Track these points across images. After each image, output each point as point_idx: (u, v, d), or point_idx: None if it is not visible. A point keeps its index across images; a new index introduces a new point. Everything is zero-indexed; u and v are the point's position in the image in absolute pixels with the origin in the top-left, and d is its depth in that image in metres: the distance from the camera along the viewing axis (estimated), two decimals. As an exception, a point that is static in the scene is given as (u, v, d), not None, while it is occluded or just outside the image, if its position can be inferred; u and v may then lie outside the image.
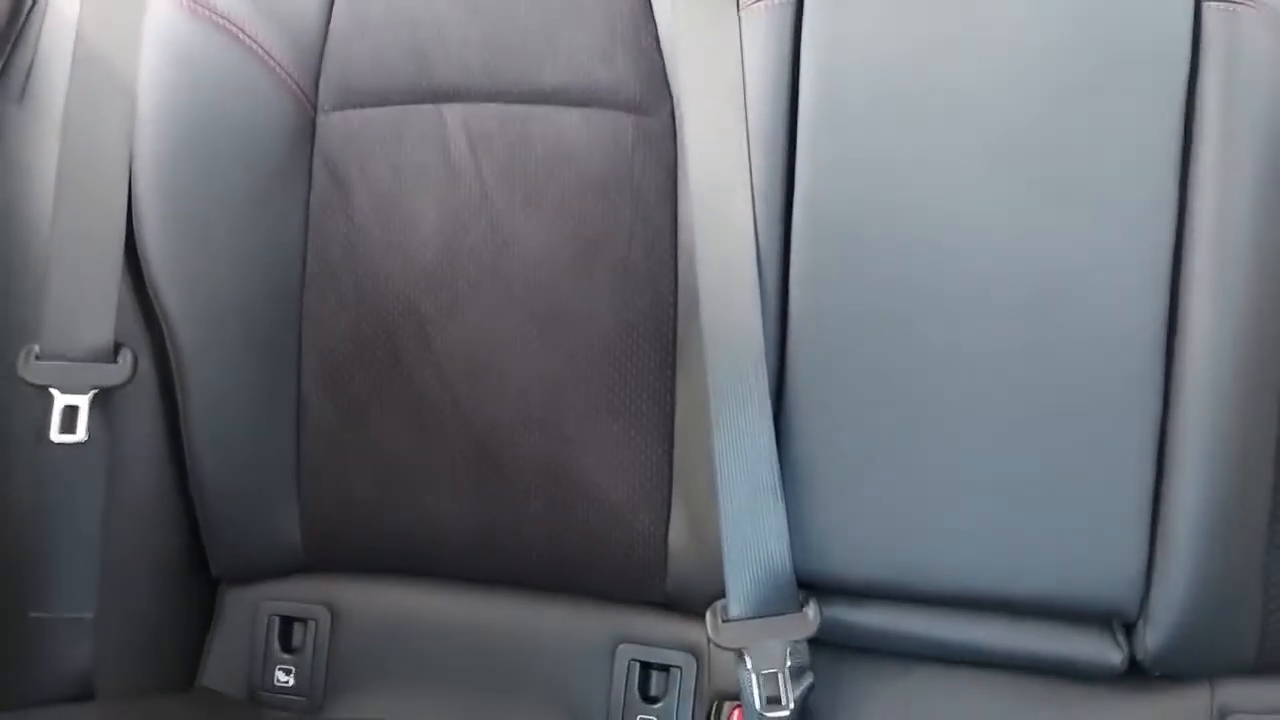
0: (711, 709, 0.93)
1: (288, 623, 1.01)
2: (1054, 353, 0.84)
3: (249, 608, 1.02)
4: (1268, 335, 0.82)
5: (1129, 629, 0.87)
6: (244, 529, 0.99)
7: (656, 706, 0.95)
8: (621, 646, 0.96)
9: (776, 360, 0.88)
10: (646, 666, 0.96)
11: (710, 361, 0.87)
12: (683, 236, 0.91)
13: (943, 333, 0.86)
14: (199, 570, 1.01)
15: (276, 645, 1.00)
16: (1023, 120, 0.84)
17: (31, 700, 0.91)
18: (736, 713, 0.91)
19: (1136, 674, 0.87)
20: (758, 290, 0.86)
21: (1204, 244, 0.82)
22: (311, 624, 1.00)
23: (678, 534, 0.93)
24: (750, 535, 0.87)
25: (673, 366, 0.92)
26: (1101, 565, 0.85)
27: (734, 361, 0.87)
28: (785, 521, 0.87)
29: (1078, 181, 0.83)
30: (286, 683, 0.99)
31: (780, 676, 0.86)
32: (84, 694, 0.93)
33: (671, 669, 0.95)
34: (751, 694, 0.87)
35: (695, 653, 0.95)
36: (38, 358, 0.88)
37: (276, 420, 0.97)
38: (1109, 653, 0.87)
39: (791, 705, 0.86)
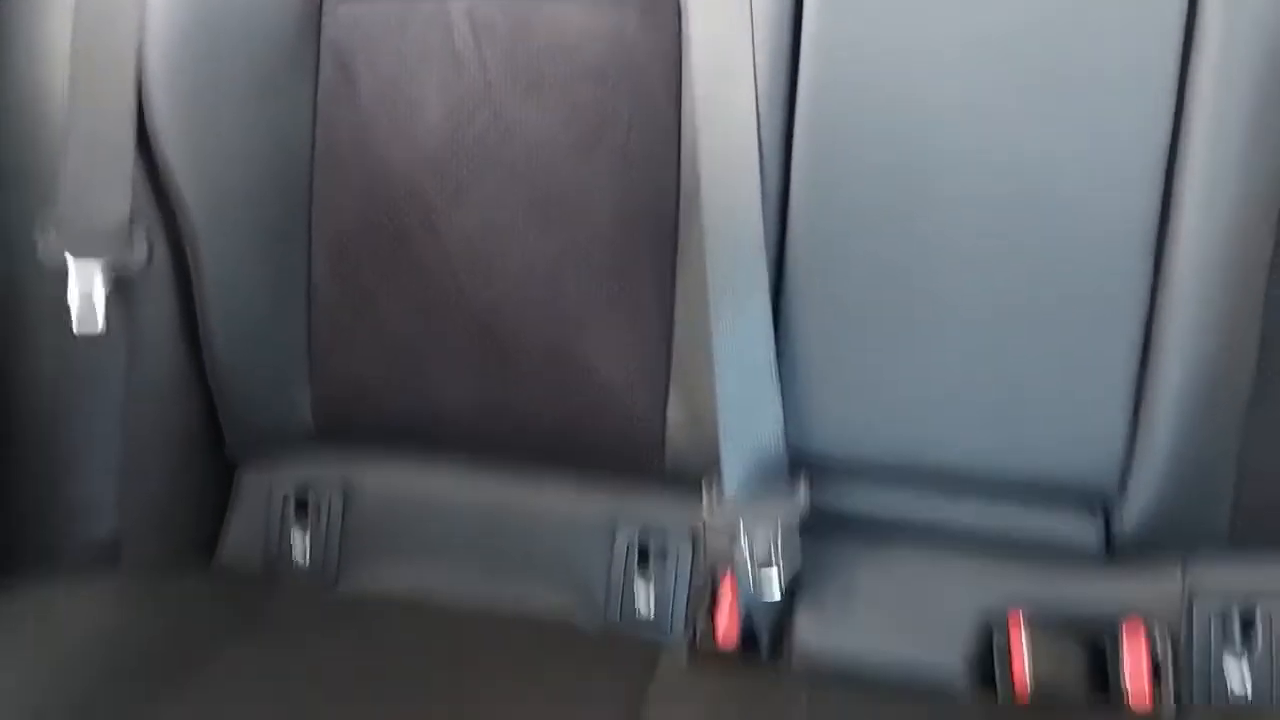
0: (707, 582, 0.97)
1: (302, 500, 1.05)
2: (1047, 242, 0.86)
3: (264, 485, 1.06)
4: (1255, 230, 0.83)
5: (1107, 511, 0.91)
6: (258, 410, 1.02)
7: (654, 580, 0.99)
8: (621, 524, 1.00)
9: (776, 248, 0.90)
10: (645, 540, 1.00)
11: (710, 249, 0.89)
12: (685, 125, 0.92)
13: (940, 222, 0.87)
14: (215, 449, 1.05)
15: (292, 521, 1.05)
16: (1027, 13, 0.84)
17: (61, 568, 0.97)
18: (730, 586, 0.95)
19: (1112, 554, 0.91)
20: (759, 179, 0.88)
21: (1199, 141, 0.83)
22: (324, 500, 1.04)
23: (675, 414, 0.96)
24: (745, 418, 0.90)
25: (673, 254, 0.94)
26: (1085, 447, 0.88)
27: (734, 249, 0.89)
28: (780, 405, 0.90)
29: (1078, 75, 0.84)
30: (301, 556, 1.04)
31: (772, 553, 0.90)
32: (110, 562, 0.99)
33: (669, 546, 1.00)
34: (744, 570, 0.91)
35: (692, 529, 0.99)
36: (54, 239, 0.91)
37: (287, 304, 1.00)
38: (1087, 533, 0.91)
39: (782, 579, 0.90)
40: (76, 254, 0.91)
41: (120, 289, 0.94)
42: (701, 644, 0.94)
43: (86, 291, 0.91)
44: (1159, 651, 0.88)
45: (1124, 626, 0.89)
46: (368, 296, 0.99)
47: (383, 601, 1.01)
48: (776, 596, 0.90)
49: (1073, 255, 0.86)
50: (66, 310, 0.91)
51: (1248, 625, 0.90)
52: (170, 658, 0.89)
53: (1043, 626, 0.90)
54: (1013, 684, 0.88)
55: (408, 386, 1.00)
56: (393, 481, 1.05)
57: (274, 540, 1.05)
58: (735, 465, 0.91)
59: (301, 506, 1.05)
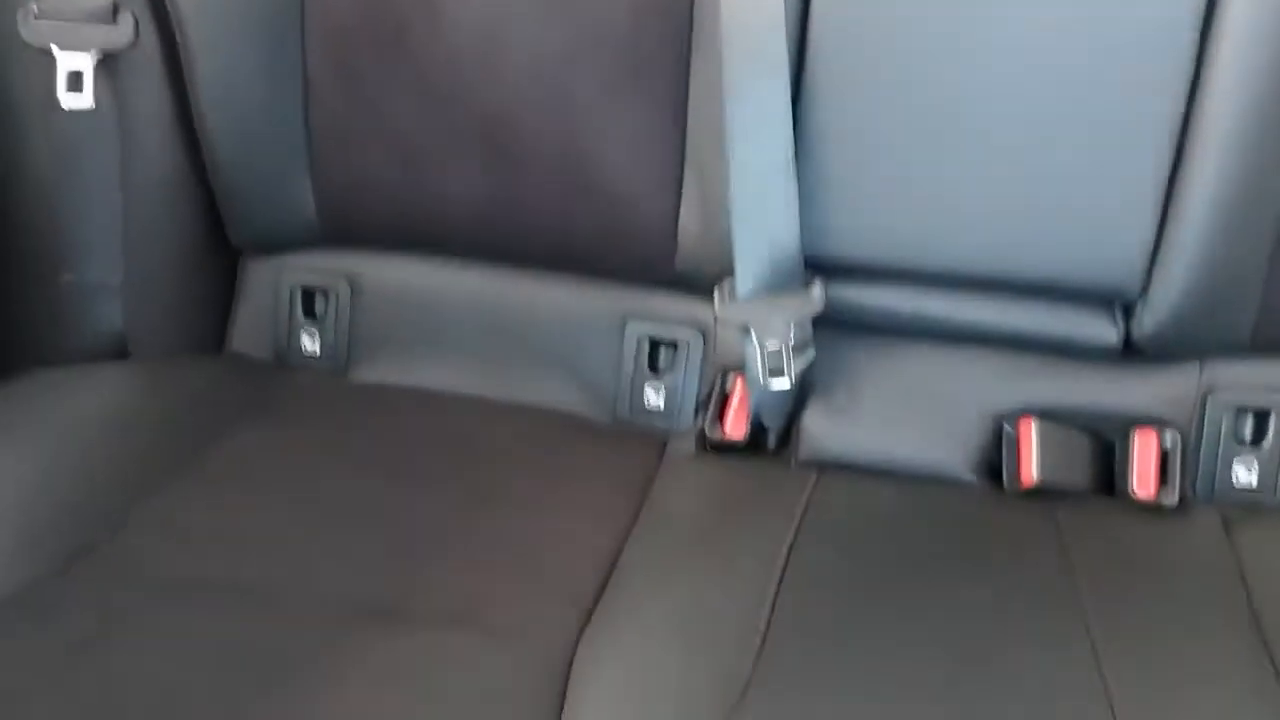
0: (716, 379, 0.97)
1: (309, 293, 1.04)
2: (1084, 34, 0.82)
3: (271, 278, 1.05)
4: None
5: (1128, 310, 0.89)
6: (259, 201, 1.00)
7: (664, 378, 0.99)
8: (631, 323, 1.00)
9: (796, 45, 0.86)
10: (655, 342, 1.00)
11: (727, 42, 0.84)
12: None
13: (969, 20, 0.83)
14: (219, 240, 1.03)
15: (300, 313, 1.04)
16: None
17: (71, 360, 0.97)
18: (740, 383, 0.96)
19: (1131, 353, 0.90)
20: None
21: None
22: (332, 294, 1.03)
23: (688, 214, 0.94)
24: (760, 214, 0.88)
25: (687, 47, 0.89)
26: (1109, 246, 0.86)
27: (753, 44, 0.84)
28: (796, 201, 0.87)
29: None
30: (312, 348, 1.04)
31: (783, 350, 0.90)
32: (119, 355, 0.99)
33: (679, 344, 0.99)
34: (755, 366, 0.90)
35: (702, 329, 0.98)
36: (36, 17, 0.87)
37: (283, 96, 0.96)
38: (1106, 332, 0.89)
39: (793, 377, 0.90)
40: (61, 36, 0.87)
41: (109, 69, 0.91)
42: (710, 437, 0.95)
43: (73, 67, 0.88)
44: (1168, 449, 0.89)
45: (1136, 425, 0.90)
46: (367, 90, 0.95)
47: (394, 390, 1.02)
48: (786, 387, 0.90)
49: (1106, 58, 0.82)
50: (54, 89, 0.89)
51: (1261, 421, 0.90)
52: (179, 439, 0.90)
53: (1053, 422, 0.90)
54: (1019, 476, 0.89)
55: (411, 183, 0.97)
56: (400, 278, 1.03)
57: (282, 333, 1.05)
58: (749, 265, 0.89)
59: (309, 301, 1.04)
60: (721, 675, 0.68)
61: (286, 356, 1.05)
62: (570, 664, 0.71)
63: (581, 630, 0.74)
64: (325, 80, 0.96)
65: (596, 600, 0.77)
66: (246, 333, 1.06)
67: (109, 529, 0.80)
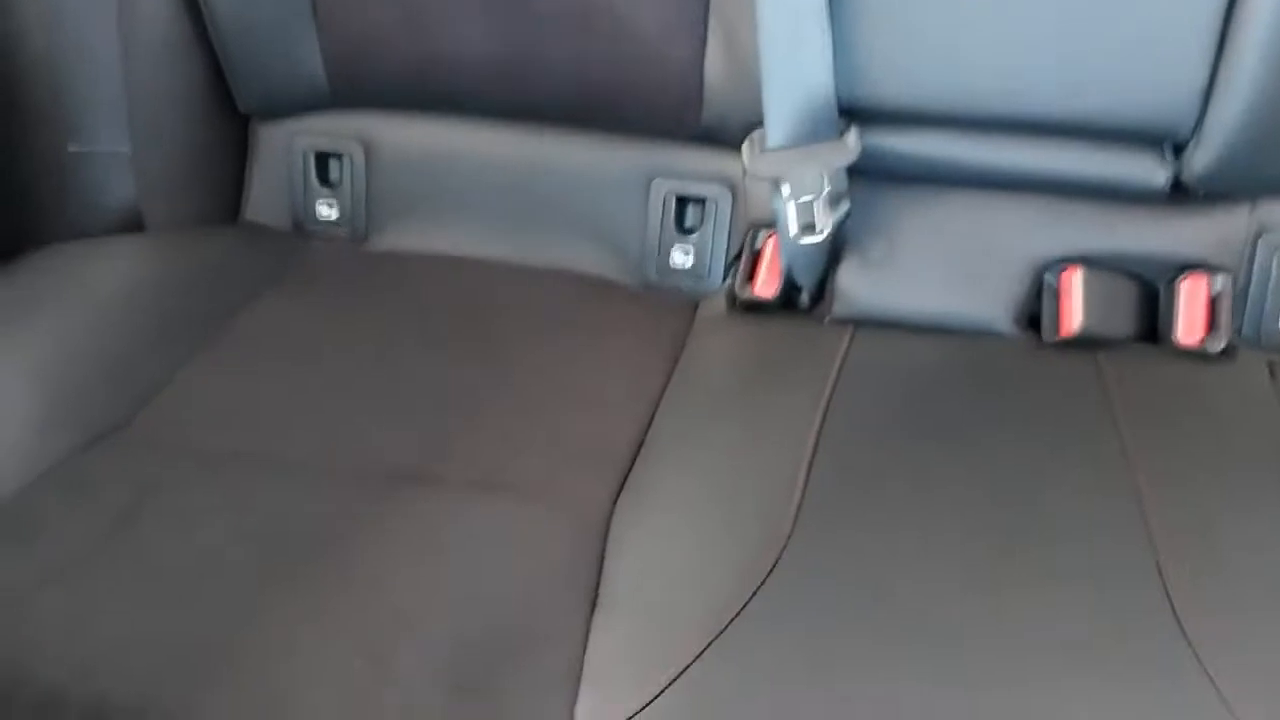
0: (746, 237, 0.94)
1: (323, 158, 1.01)
2: None
3: (283, 144, 1.01)
4: None
5: (1178, 149, 0.85)
6: (265, 62, 0.96)
7: (692, 237, 0.97)
8: (656, 180, 0.96)
9: None
10: (682, 200, 0.96)
11: None
12: None
13: None
14: (227, 106, 0.99)
15: (315, 179, 1.01)
16: None
17: (86, 233, 0.95)
18: (772, 240, 0.93)
19: (1180, 195, 0.87)
20: None
21: None
22: (346, 159, 1.00)
23: (714, 64, 0.89)
24: (792, 60, 0.83)
25: None
26: (1161, 82, 0.82)
27: None
28: (830, 43, 0.83)
29: None
30: (329, 216, 1.02)
31: (816, 204, 0.87)
32: (133, 227, 0.97)
33: (707, 201, 0.96)
34: (786, 222, 0.87)
35: (731, 185, 0.95)
36: None
37: None
38: (1155, 173, 0.86)
39: (826, 231, 0.87)
40: None
41: None
42: (740, 296, 0.92)
43: None
44: (1217, 293, 0.86)
45: (1184, 270, 0.87)
46: None
47: (415, 256, 1.00)
48: (819, 241, 0.87)
49: None
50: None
51: None
52: (202, 311, 0.88)
53: (1096, 270, 0.87)
54: (1060, 326, 0.87)
55: (422, 37, 0.92)
56: (415, 139, 1.00)
57: (298, 201, 1.02)
58: (780, 114, 0.85)
59: (323, 166, 1.01)
60: (761, 529, 0.68)
61: (304, 225, 1.03)
62: (607, 525, 0.71)
63: (618, 492, 0.74)
64: None
65: (631, 462, 0.77)
66: (261, 201, 1.03)
67: (137, 403, 0.79)
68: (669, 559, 0.68)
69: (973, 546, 0.67)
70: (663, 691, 0.58)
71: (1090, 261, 0.87)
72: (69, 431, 0.75)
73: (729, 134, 0.90)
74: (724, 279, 0.96)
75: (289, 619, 0.63)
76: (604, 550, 0.69)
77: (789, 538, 0.67)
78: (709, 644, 0.60)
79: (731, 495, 0.72)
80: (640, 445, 0.79)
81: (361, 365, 0.85)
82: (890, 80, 0.85)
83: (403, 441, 0.77)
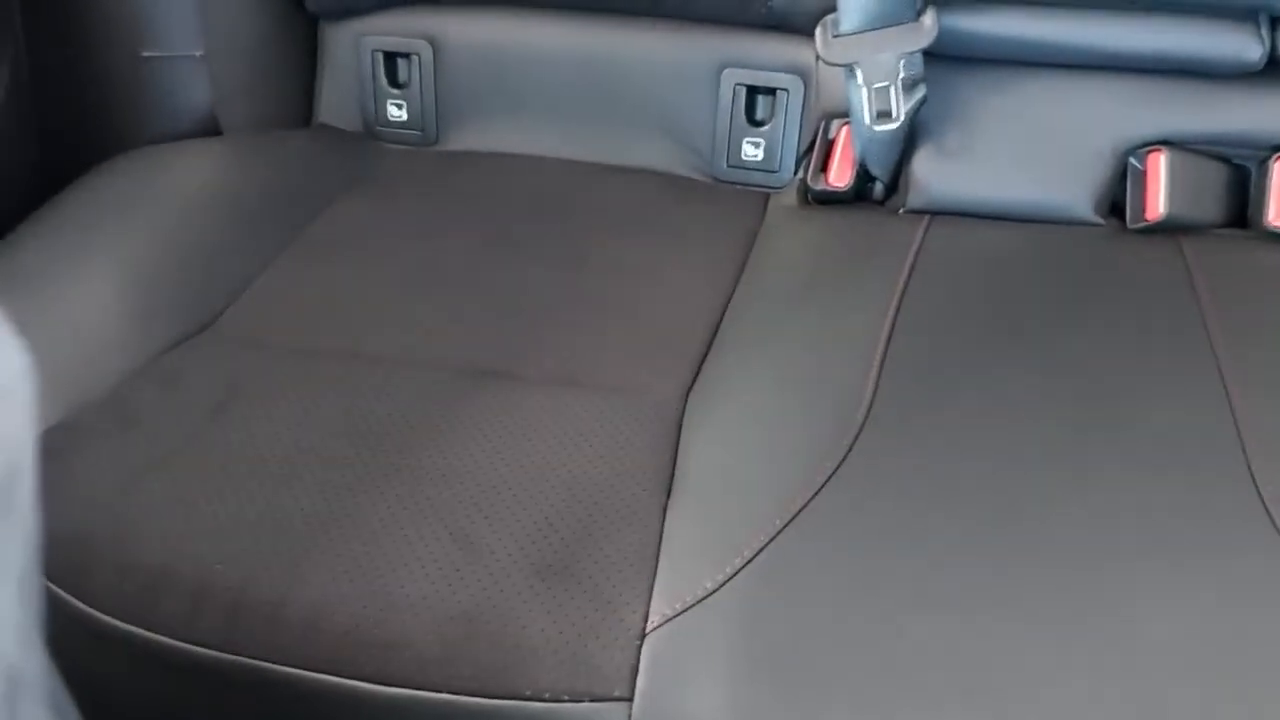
0: (820, 128, 0.93)
1: (391, 58, 1.01)
2: None
3: (351, 44, 1.02)
4: None
5: (1274, 22, 0.81)
6: None
7: (764, 129, 0.95)
8: (727, 70, 0.95)
9: None
10: (753, 90, 0.95)
11: None
12: None
13: None
14: (296, 6, 1.00)
15: (384, 80, 1.01)
16: None
17: (164, 138, 0.97)
18: (845, 130, 0.91)
19: (1276, 71, 0.83)
20: None
21: None
22: (414, 58, 1.00)
23: None
24: (866, -63, 0.81)
25: None
26: None
27: None
28: None
29: None
30: (400, 117, 1.02)
31: (892, 89, 0.85)
32: (210, 131, 0.98)
33: (778, 91, 0.94)
34: (861, 108, 0.86)
35: (803, 74, 0.93)
36: None
37: None
38: (1249, 47, 0.82)
39: (902, 118, 0.85)
40: None
41: None
42: (813, 188, 0.91)
43: None
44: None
45: (1276, 151, 0.83)
46: None
47: (486, 157, 1.00)
48: (894, 128, 0.85)
49: None
50: None
51: None
52: (281, 212, 0.90)
53: (1184, 152, 0.84)
54: (1144, 212, 0.84)
55: None
56: (483, 35, 0.99)
57: (368, 102, 1.02)
58: (853, -7, 0.83)
59: (391, 66, 1.01)
60: (834, 419, 0.68)
61: (374, 126, 1.03)
62: (681, 416, 0.72)
63: (692, 384, 0.75)
64: None
65: (705, 356, 0.77)
66: (333, 104, 1.04)
67: (224, 301, 0.81)
68: (742, 448, 0.69)
69: (1050, 439, 0.66)
70: (739, 571, 0.60)
71: (1177, 143, 0.84)
72: (161, 328, 0.78)
73: (801, 20, 0.88)
74: (795, 171, 0.95)
75: (380, 502, 0.65)
76: (678, 440, 0.70)
77: (861, 427, 0.67)
78: (783, 528, 0.61)
79: (803, 386, 0.72)
80: (713, 338, 0.79)
81: (438, 264, 0.86)
82: None
83: (482, 338, 0.78)
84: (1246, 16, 0.82)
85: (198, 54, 0.94)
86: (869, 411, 0.68)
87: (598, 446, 0.69)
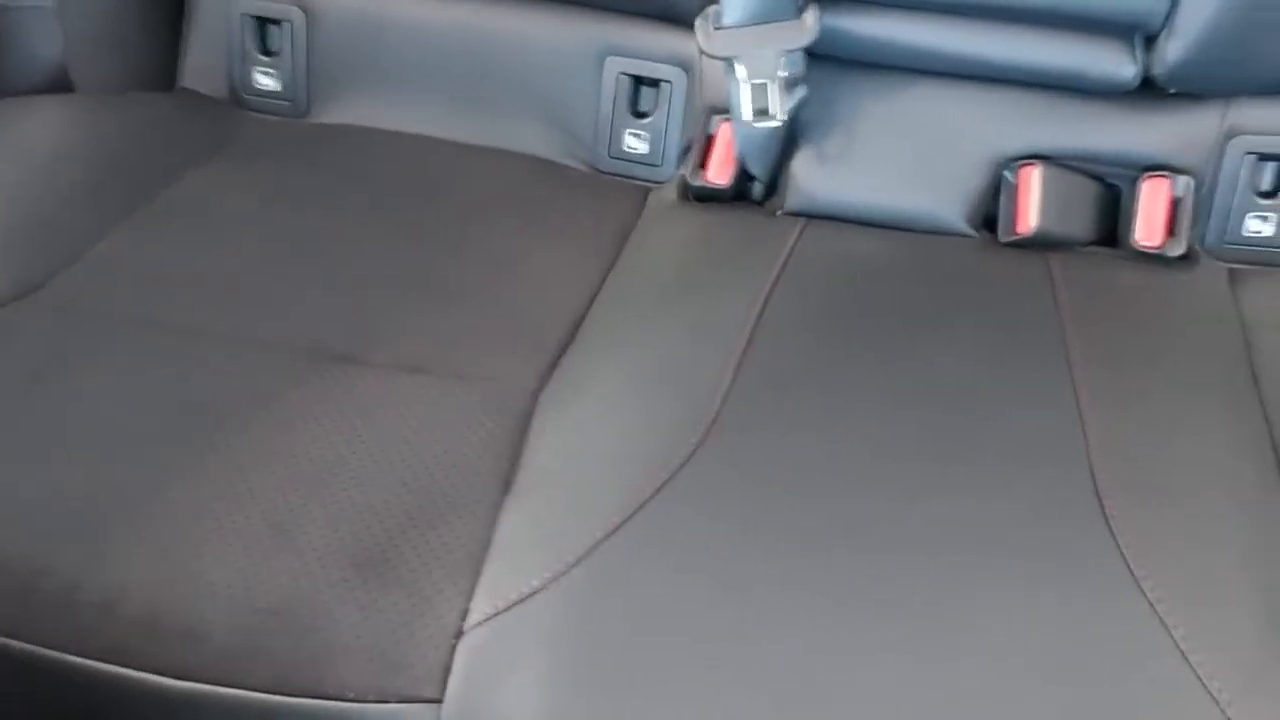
0: (702, 122, 0.90)
1: (263, 23, 0.96)
2: None
3: (220, 6, 0.97)
4: None
5: (1149, 42, 0.81)
6: None
7: (646, 121, 0.93)
8: (610, 58, 0.92)
9: None
10: (637, 81, 0.92)
11: None
12: None
13: None
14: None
15: (253, 46, 0.97)
16: None
17: (11, 93, 0.91)
18: (726, 126, 0.89)
19: (1149, 91, 0.83)
20: None
21: None
22: (286, 25, 0.95)
23: None
24: (750, -71, 0.79)
25: None
26: None
27: None
28: None
29: None
30: (269, 86, 0.97)
31: (771, 87, 0.83)
32: (62, 87, 0.93)
33: (662, 83, 0.92)
34: (740, 105, 0.84)
35: (686, 66, 0.91)
36: None
37: None
38: (1124, 66, 0.82)
39: (781, 117, 0.84)
40: None
41: None
42: (692, 182, 0.89)
43: None
44: (1180, 196, 0.83)
45: (1147, 171, 0.84)
46: None
47: (357, 131, 0.96)
48: (774, 127, 0.83)
49: None
50: None
51: None
52: (131, 177, 0.85)
53: (1057, 167, 0.84)
54: (1014, 223, 0.84)
55: None
56: (360, 5, 0.95)
57: (236, 65, 0.97)
58: (737, -14, 0.81)
59: (262, 30, 0.97)
60: (684, 418, 0.66)
61: (241, 94, 0.98)
62: (531, 410, 0.69)
63: (547, 376, 0.72)
64: None
65: (564, 349, 0.75)
66: (198, 68, 0.99)
67: (57, 265, 0.76)
68: (588, 445, 0.66)
69: (898, 446, 0.65)
70: (568, 570, 0.57)
71: (1051, 159, 0.84)
72: None
73: (686, 10, 0.86)
74: (678, 166, 0.93)
75: (195, 484, 0.61)
76: (525, 434, 0.67)
77: (709, 429, 0.65)
78: (617, 527, 0.59)
79: (658, 385, 0.70)
80: (576, 332, 0.77)
81: (296, 241, 0.82)
82: None
83: (330, 319, 0.75)
84: (1122, 36, 0.82)
85: (48, 3, 0.88)
86: (719, 413, 0.66)
87: (437, 436, 0.66)
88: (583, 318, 0.78)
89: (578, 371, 0.72)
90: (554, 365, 0.73)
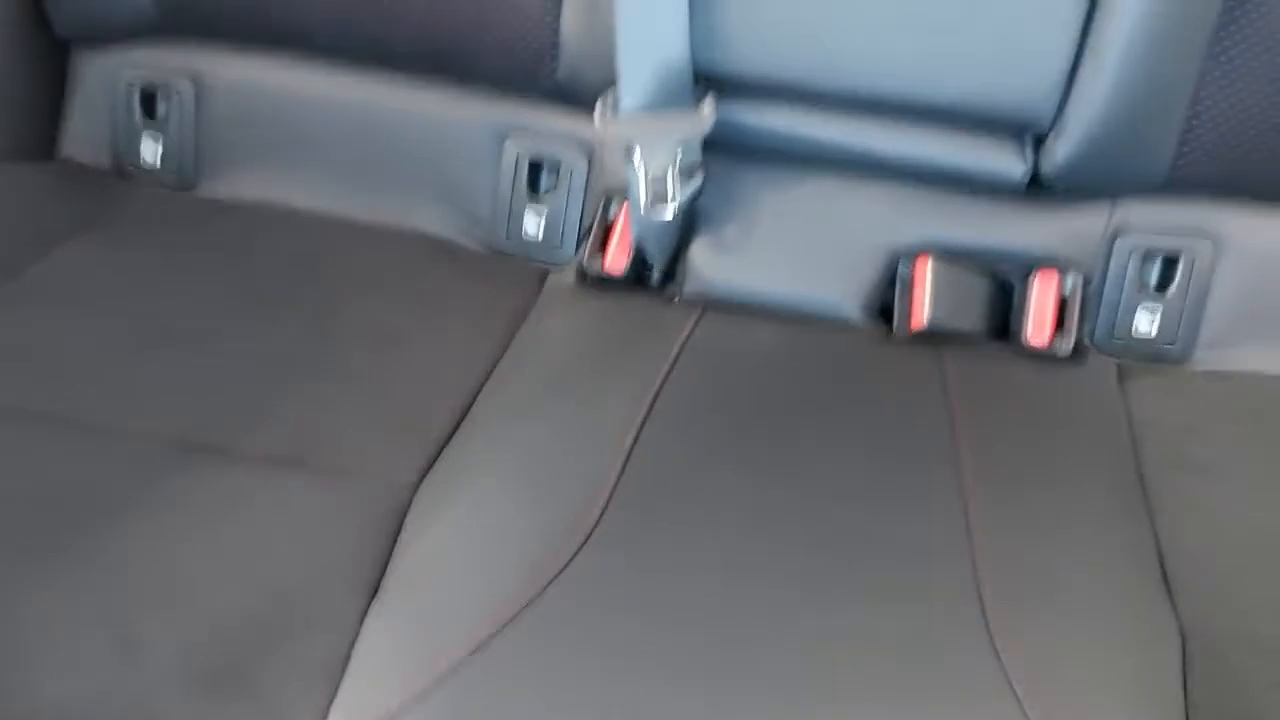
0: (600, 206, 0.90)
1: (149, 93, 0.93)
2: None
3: (106, 75, 0.94)
4: None
5: (1038, 141, 0.83)
6: None
7: (546, 202, 0.91)
8: (510, 138, 0.91)
9: None
10: (535, 162, 0.91)
11: None
12: None
13: None
14: (43, 31, 0.91)
15: (139, 115, 0.93)
16: None
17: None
18: (624, 210, 0.88)
19: (1038, 189, 0.84)
20: None
21: None
22: (174, 94, 0.93)
23: (572, 17, 0.84)
24: (647, 18, 0.79)
25: None
26: (1023, 70, 0.79)
27: None
28: (687, 11, 0.78)
29: None
30: (153, 157, 0.94)
31: (669, 174, 0.82)
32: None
33: (562, 164, 0.91)
34: (637, 191, 0.83)
35: (587, 149, 0.90)
36: None
37: None
38: (1014, 165, 0.83)
39: (678, 205, 0.83)
40: None
41: None
42: (590, 268, 0.87)
43: None
44: (1068, 293, 0.83)
45: (1037, 267, 0.84)
46: None
47: (245, 206, 0.93)
48: (669, 217, 0.83)
49: None
50: None
51: (1168, 268, 0.85)
52: (1, 250, 0.81)
53: (950, 262, 0.84)
54: (909, 317, 0.84)
55: None
56: (250, 76, 0.93)
57: (121, 136, 0.94)
58: (633, 74, 0.80)
59: (149, 102, 0.94)
60: (562, 524, 0.63)
61: (125, 165, 0.95)
62: (407, 507, 0.66)
63: (427, 470, 0.69)
64: None
65: (447, 440, 0.72)
66: (80, 137, 0.95)
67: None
68: (460, 551, 0.63)
69: (782, 555, 0.63)
70: (428, 690, 0.54)
71: (944, 253, 0.85)
72: None
73: (585, 91, 0.85)
74: (577, 248, 0.92)
75: (38, 591, 0.57)
76: (398, 534, 0.64)
77: (590, 534, 0.62)
78: (481, 644, 0.56)
79: (538, 487, 0.67)
80: (461, 420, 0.74)
81: (170, 321, 0.78)
82: (748, 48, 0.81)
83: (203, 406, 0.71)
84: (1012, 135, 0.83)
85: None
86: (601, 515, 0.64)
87: (303, 537, 0.62)
88: (469, 407, 0.75)
89: (457, 467, 0.70)
90: (435, 459, 0.70)
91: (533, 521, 0.64)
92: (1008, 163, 0.83)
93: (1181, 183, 0.82)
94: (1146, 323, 0.86)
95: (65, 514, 0.62)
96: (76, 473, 0.65)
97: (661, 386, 0.75)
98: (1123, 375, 0.84)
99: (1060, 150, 0.80)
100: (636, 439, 0.70)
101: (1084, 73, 0.78)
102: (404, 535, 0.64)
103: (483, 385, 0.77)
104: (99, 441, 0.67)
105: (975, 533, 0.65)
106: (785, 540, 0.64)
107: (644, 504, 0.65)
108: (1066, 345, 0.83)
